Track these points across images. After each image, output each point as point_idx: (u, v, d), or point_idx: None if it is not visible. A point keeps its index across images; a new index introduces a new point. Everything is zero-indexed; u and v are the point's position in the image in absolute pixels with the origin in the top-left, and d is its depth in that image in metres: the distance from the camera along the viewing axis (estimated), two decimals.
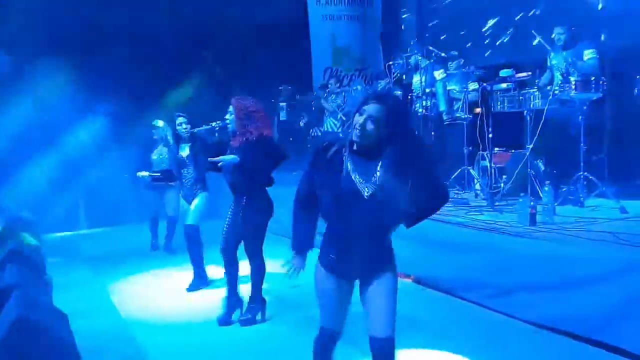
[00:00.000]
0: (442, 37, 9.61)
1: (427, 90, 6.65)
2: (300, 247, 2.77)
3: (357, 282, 2.62)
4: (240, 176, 4.42)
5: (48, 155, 8.02)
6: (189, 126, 5.57)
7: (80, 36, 8.44)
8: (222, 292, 4.72)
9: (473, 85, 6.52)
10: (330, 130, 9.02)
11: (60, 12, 8.25)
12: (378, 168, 2.41)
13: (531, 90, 5.76)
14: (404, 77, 8.22)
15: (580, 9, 7.11)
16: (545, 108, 5.45)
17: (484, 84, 6.18)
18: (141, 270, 6.34)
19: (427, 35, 10.17)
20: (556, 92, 5.47)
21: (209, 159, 4.49)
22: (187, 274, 5.57)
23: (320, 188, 2.53)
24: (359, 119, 2.40)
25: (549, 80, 5.82)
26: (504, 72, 6.00)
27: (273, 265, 6.24)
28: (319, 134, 9.37)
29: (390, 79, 7.76)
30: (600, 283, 3.72)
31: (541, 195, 5.17)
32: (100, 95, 8.30)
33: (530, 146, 5.66)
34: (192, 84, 9.61)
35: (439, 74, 6.80)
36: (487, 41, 8.67)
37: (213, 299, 4.91)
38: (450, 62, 7.09)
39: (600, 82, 5.41)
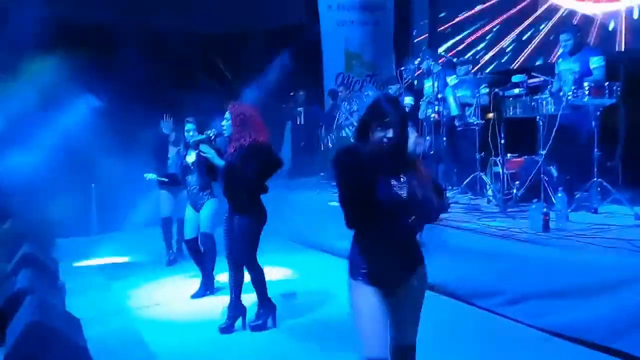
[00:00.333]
0: (453, 43, 9.62)
1: (440, 95, 6.63)
2: None
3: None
4: (233, 182, 4.40)
5: (60, 159, 8.07)
6: (196, 133, 5.56)
7: (97, 38, 8.49)
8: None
9: (484, 90, 6.50)
10: (345, 135, 9.03)
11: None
12: (404, 170, 2.41)
13: (543, 96, 5.72)
14: (415, 82, 8.21)
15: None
16: (559, 114, 5.41)
17: (496, 90, 6.16)
18: (153, 276, 6.38)
19: (439, 41, 10.17)
20: (569, 97, 5.43)
21: (200, 148, 4.52)
22: (199, 280, 5.58)
23: (355, 195, 2.38)
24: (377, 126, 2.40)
25: (559, 87, 5.77)
26: (515, 78, 5.97)
27: (284, 272, 6.30)
28: (332, 140, 9.37)
29: (402, 85, 7.75)
30: (614, 290, 3.68)
31: (554, 201, 5.13)
32: (114, 98, 8.35)
33: (543, 152, 5.62)
34: (204, 88, 9.66)
35: (451, 80, 6.79)
36: (498, 48, 8.67)
37: (224, 305, 4.92)
38: (460, 67, 7.08)
39: (614, 87, 5.37)
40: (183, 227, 6.74)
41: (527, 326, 4.17)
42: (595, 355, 3.65)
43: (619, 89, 5.40)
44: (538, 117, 5.82)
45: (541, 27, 7.99)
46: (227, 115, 4.46)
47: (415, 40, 11.00)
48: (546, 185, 5.54)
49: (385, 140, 2.37)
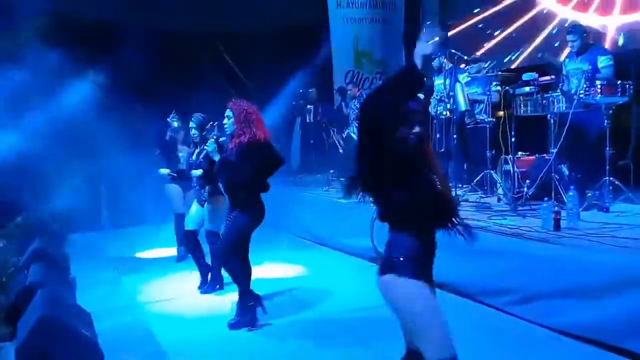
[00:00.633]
0: (463, 41, 9.58)
1: (451, 93, 6.60)
2: None
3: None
4: (231, 179, 4.39)
5: (72, 154, 8.11)
6: (197, 132, 5.56)
7: (110, 36, 8.51)
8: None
9: (495, 87, 6.47)
10: (355, 134, 9.03)
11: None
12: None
13: (554, 94, 5.69)
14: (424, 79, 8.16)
15: None
16: (570, 112, 5.37)
17: (507, 87, 6.13)
18: (164, 271, 6.41)
19: (449, 39, 10.13)
20: (581, 95, 5.40)
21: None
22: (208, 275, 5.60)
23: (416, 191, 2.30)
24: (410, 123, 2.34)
25: (568, 87, 5.74)
26: (526, 76, 5.94)
27: (292, 269, 6.31)
28: (343, 137, 9.37)
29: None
30: (625, 290, 3.65)
31: (565, 200, 5.10)
32: (125, 94, 8.38)
33: (555, 150, 5.59)
34: (214, 87, 9.67)
35: (462, 77, 6.76)
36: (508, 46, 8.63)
37: (233, 301, 4.94)
38: (472, 65, 7.04)
39: (627, 85, 5.33)
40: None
41: (537, 325, 4.14)
42: (606, 355, 3.62)
43: (631, 87, 5.36)
44: (549, 115, 5.79)
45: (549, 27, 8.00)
46: (227, 112, 4.44)
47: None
48: (557, 183, 5.51)
49: (412, 136, 2.30)
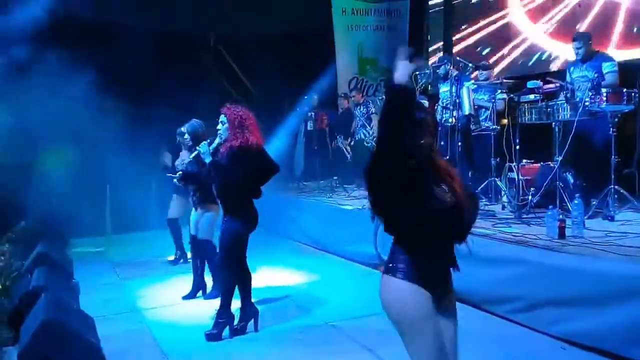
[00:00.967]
0: (467, 49, 9.61)
1: (457, 100, 6.59)
2: None
3: None
4: (221, 184, 4.35)
5: (75, 159, 8.13)
6: (187, 137, 5.51)
7: (116, 39, 8.54)
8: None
9: (501, 95, 6.47)
10: (362, 138, 9.05)
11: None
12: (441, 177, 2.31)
13: (559, 102, 5.68)
14: (429, 87, 8.17)
15: None
16: (575, 120, 5.36)
17: (511, 95, 6.12)
18: (167, 276, 6.41)
19: (453, 47, 10.15)
20: (587, 103, 5.38)
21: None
22: (209, 279, 5.59)
23: (413, 202, 2.23)
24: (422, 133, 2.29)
25: (573, 94, 5.73)
26: (531, 84, 5.93)
27: (294, 275, 6.30)
28: (350, 143, 9.39)
29: (417, 89, 7.72)
30: (630, 299, 3.62)
31: (570, 208, 5.08)
32: (130, 99, 8.40)
33: (559, 158, 5.57)
34: (218, 92, 9.70)
35: (468, 84, 6.76)
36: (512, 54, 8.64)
37: (237, 307, 4.93)
38: (482, 72, 7.04)
39: (633, 94, 5.32)
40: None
41: (541, 333, 4.12)
42: None
43: (637, 95, 5.35)
44: (554, 123, 5.78)
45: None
46: (222, 118, 4.40)
47: (429, 47, 11.01)
48: (562, 191, 5.49)
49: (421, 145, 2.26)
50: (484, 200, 6.53)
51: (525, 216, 5.67)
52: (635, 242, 4.41)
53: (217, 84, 10.55)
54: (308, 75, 10.22)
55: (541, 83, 5.87)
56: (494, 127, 6.44)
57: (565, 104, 5.58)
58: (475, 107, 6.65)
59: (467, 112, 6.47)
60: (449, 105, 6.78)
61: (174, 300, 5.44)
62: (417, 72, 7.82)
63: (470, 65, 7.04)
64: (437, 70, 7.27)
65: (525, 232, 5.09)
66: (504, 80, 6.12)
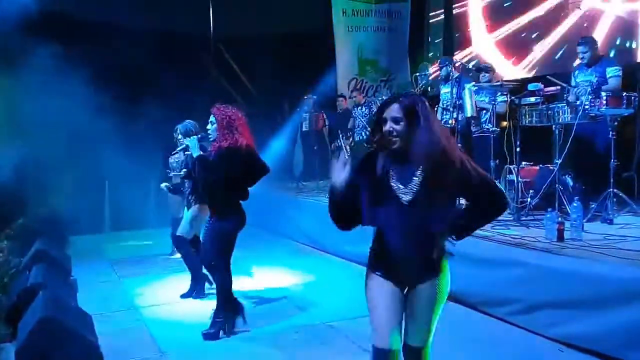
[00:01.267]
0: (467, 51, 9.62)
1: (459, 102, 6.59)
2: None
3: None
4: (208, 183, 4.33)
5: (74, 157, 8.11)
6: (180, 136, 5.51)
7: (114, 38, 8.53)
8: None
9: (502, 97, 6.46)
10: (361, 139, 9.05)
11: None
12: (417, 173, 2.37)
13: (560, 105, 5.68)
14: (429, 88, 8.17)
15: None
16: (575, 123, 5.37)
17: (512, 97, 6.12)
18: (165, 274, 6.40)
19: (454, 49, 10.16)
20: (587, 107, 5.39)
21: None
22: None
23: (362, 196, 2.49)
24: (384, 125, 2.39)
25: (575, 98, 5.74)
26: (532, 86, 5.93)
27: (293, 275, 6.29)
28: (348, 144, 9.38)
29: (417, 90, 7.73)
30: (628, 302, 3.63)
31: (569, 211, 5.08)
32: (128, 98, 8.38)
33: (559, 161, 5.57)
34: (218, 91, 9.70)
35: (469, 86, 6.76)
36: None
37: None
38: (484, 74, 7.03)
39: (632, 98, 5.32)
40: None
41: (539, 336, 4.12)
42: None
43: (636, 99, 5.35)
44: (554, 125, 5.78)
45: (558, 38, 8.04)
46: (211, 118, 4.38)
47: (429, 49, 11.03)
48: (561, 194, 5.49)
49: (393, 133, 2.36)
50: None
51: (524, 218, 5.67)
52: (634, 246, 4.41)
53: (217, 84, 10.56)
54: (308, 76, 10.22)
55: (542, 85, 5.88)
56: (494, 129, 6.44)
57: (565, 107, 5.59)
58: (477, 109, 6.65)
59: (469, 114, 6.46)
60: (449, 107, 6.78)
61: (172, 299, 5.44)
62: (418, 74, 7.85)
63: (471, 67, 7.04)
64: (439, 72, 7.28)
65: (524, 234, 5.09)
66: (505, 83, 6.12)
